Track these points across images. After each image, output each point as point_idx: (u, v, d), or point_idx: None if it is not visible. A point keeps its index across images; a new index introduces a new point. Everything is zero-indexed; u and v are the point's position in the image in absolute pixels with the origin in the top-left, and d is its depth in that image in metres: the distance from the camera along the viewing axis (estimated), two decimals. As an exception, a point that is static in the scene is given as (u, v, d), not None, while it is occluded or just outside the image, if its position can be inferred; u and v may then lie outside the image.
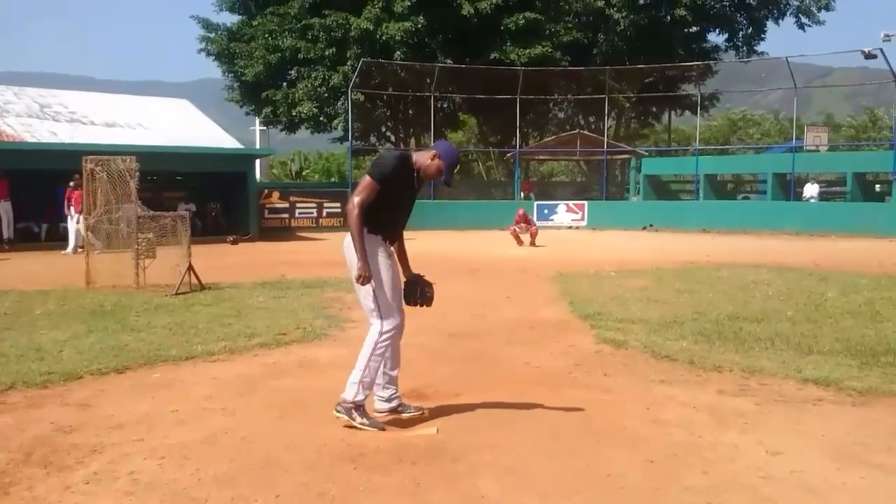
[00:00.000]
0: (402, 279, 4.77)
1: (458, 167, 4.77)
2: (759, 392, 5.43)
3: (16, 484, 3.73)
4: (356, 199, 4.43)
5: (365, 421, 4.53)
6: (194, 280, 10.60)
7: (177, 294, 10.10)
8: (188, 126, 24.37)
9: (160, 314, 8.66)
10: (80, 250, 16.18)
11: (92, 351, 6.66)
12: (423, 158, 4.65)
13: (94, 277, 11.13)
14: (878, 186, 31.18)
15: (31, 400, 5.23)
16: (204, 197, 22.63)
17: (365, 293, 4.53)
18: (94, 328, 7.74)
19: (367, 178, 4.48)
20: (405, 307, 4.73)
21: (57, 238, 18.92)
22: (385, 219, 4.55)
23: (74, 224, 16.71)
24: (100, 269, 11.18)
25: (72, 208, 16.84)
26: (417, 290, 4.78)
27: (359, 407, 4.55)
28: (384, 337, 4.54)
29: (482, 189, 38.05)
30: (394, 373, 4.76)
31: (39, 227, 19.84)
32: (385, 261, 4.56)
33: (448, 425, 4.64)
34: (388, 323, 4.54)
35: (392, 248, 4.71)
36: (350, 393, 4.54)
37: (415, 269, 4.88)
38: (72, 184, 16.65)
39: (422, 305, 4.81)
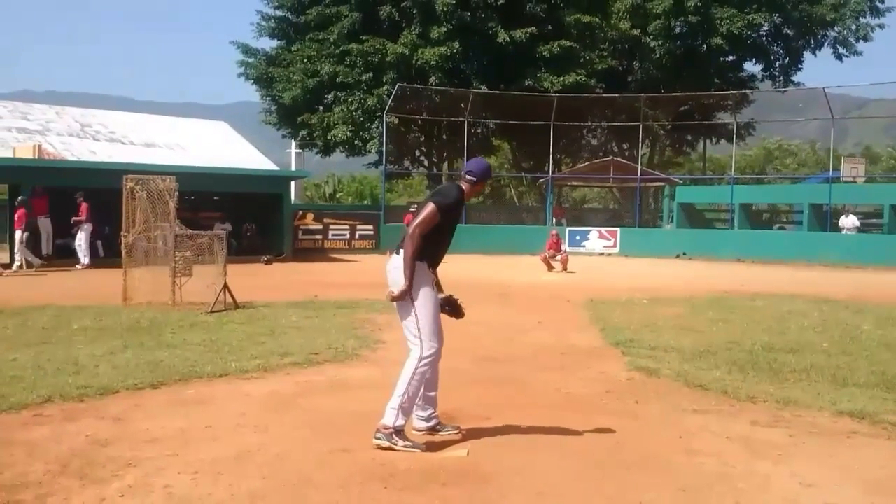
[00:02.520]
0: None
1: (491, 179, 4.96)
2: (792, 423, 5.36)
3: (52, 495, 3.80)
4: (419, 230, 4.52)
5: (407, 443, 4.56)
6: (229, 299, 10.74)
7: (212, 312, 10.23)
8: (225, 147, 24.79)
9: (195, 331, 8.78)
10: (19, 269, 16.83)
11: (128, 366, 6.77)
12: (466, 185, 4.81)
13: (131, 294, 11.31)
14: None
15: (68, 413, 5.33)
16: (240, 217, 22.92)
17: (409, 319, 4.59)
18: (130, 344, 7.86)
19: (432, 206, 4.57)
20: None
21: (94, 255, 19.27)
22: (433, 246, 4.64)
23: (18, 241, 17.14)
24: (137, 286, 11.37)
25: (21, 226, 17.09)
26: (447, 308, 4.85)
27: (399, 431, 4.58)
28: (424, 362, 4.59)
29: (514, 214, 38.08)
30: (432, 394, 4.82)
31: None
32: (429, 288, 4.63)
33: (478, 448, 4.64)
34: (427, 348, 4.59)
35: (433, 275, 4.78)
36: (390, 419, 4.57)
37: (446, 292, 4.95)
38: (20, 198, 17.26)
39: (451, 314, 4.89)
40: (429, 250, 4.60)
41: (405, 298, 4.52)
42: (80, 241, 17.96)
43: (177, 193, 11.52)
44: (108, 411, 5.39)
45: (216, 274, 10.87)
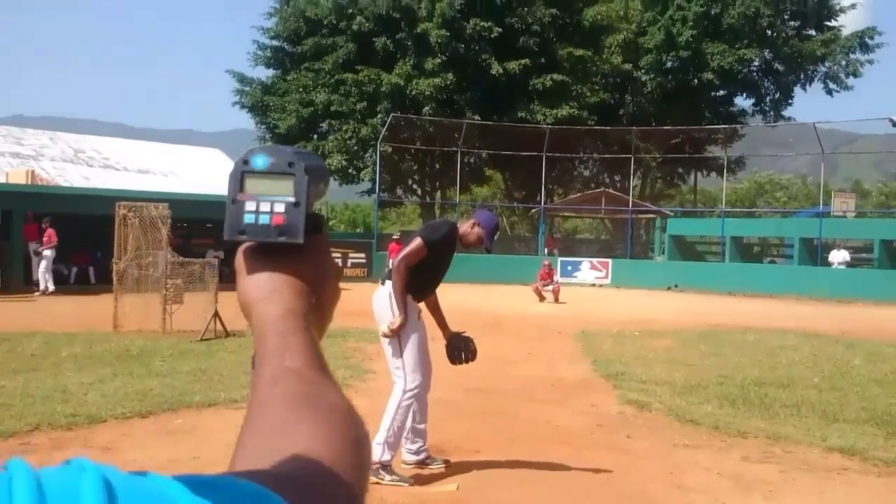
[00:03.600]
0: (443, 339, 4.87)
1: (496, 235, 4.90)
2: (783, 459, 5.36)
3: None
4: (404, 263, 4.54)
5: (395, 478, 4.54)
6: (219, 327, 10.70)
7: (202, 340, 10.19)
8: (219, 175, 24.81)
9: (185, 360, 8.73)
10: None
11: (117, 395, 6.72)
12: (465, 227, 4.80)
13: (122, 321, 11.26)
14: (906, 254, 30.85)
15: (56, 441, 5.28)
16: (232, 244, 22.89)
17: (393, 351, 4.59)
18: (120, 372, 7.82)
19: (419, 241, 4.60)
20: (451, 364, 4.83)
21: (85, 281, 19.22)
22: (419, 280, 4.65)
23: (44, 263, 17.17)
24: (127, 313, 11.32)
25: None
26: (461, 346, 4.85)
27: (385, 466, 4.56)
28: (408, 395, 4.58)
29: (506, 243, 38.16)
30: (421, 426, 4.80)
31: (69, 270, 20.13)
32: (415, 321, 4.64)
33: (468, 482, 4.62)
34: (411, 381, 4.59)
35: (419, 307, 4.78)
36: (376, 454, 4.55)
37: (436, 323, 4.96)
38: (46, 218, 17.32)
39: (466, 361, 4.89)
40: (415, 284, 4.61)
41: (399, 333, 4.53)
42: (43, 267, 17.52)
43: (169, 221, 11.53)
44: (97, 440, 5.35)
45: (207, 301, 10.84)
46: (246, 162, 0.76)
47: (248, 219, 0.75)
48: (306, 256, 0.76)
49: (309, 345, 0.71)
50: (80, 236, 19.43)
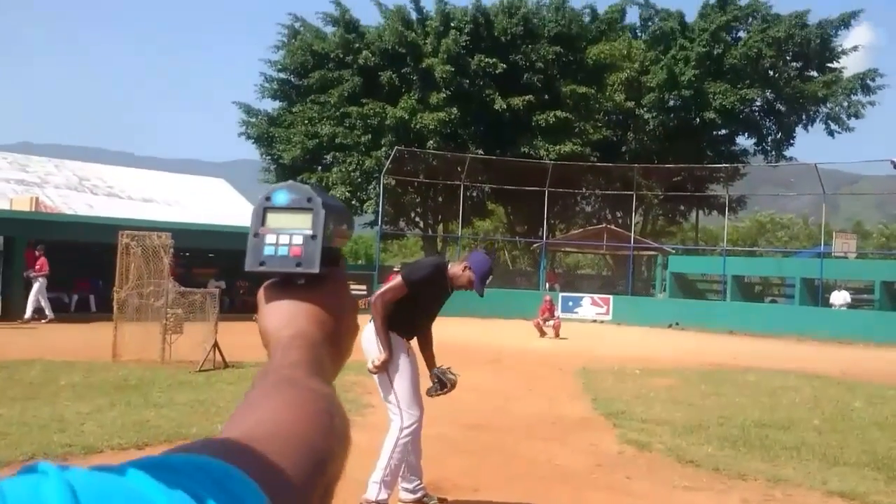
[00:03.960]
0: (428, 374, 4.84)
1: (491, 277, 4.84)
2: (783, 503, 5.31)
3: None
4: (380, 299, 4.53)
5: None
6: (219, 357, 10.67)
7: (200, 371, 10.16)
8: (223, 205, 24.94)
9: (183, 391, 8.70)
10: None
11: (114, 425, 6.69)
12: (456, 269, 4.74)
13: (121, 350, 11.24)
14: (907, 296, 30.80)
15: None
16: (234, 274, 22.93)
17: (385, 389, 4.58)
18: (118, 402, 7.79)
19: (398, 279, 4.59)
20: (427, 398, 4.78)
21: (86, 309, 19.21)
22: (407, 320, 4.63)
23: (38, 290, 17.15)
24: (127, 342, 11.30)
25: None
26: (437, 382, 4.83)
27: None
28: (405, 433, 4.56)
29: (507, 278, 38.16)
30: (417, 462, 4.76)
31: (70, 298, 20.13)
32: (404, 357, 4.62)
33: (465, 521, 4.58)
34: (408, 418, 4.57)
35: (410, 344, 4.76)
36: (372, 493, 4.53)
37: (437, 358, 4.94)
38: (40, 245, 17.30)
39: (443, 391, 4.83)
40: (402, 322, 4.59)
41: (386, 369, 4.52)
42: (33, 293, 17.36)
43: (171, 250, 11.56)
44: (92, 472, 5.31)
45: (207, 332, 10.82)
46: (268, 198, 0.80)
47: (269, 251, 0.79)
48: (324, 289, 0.80)
49: (308, 356, 0.73)
50: (82, 264, 19.47)
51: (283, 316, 0.78)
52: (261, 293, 0.82)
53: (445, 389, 4.84)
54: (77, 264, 19.55)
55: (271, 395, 0.65)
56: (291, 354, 0.72)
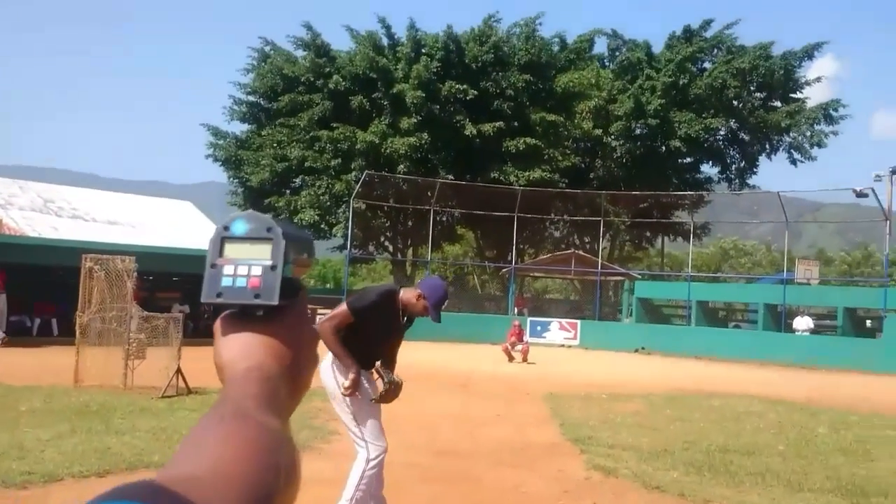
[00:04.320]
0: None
1: (447, 302, 4.75)
2: (748, 529, 5.35)
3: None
4: (327, 323, 4.46)
5: None
6: (182, 383, 10.52)
7: (163, 397, 10.01)
8: (189, 228, 24.70)
9: (145, 417, 8.56)
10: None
11: (75, 452, 6.56)
12: (409, 296, 4.63)
13: (83, 376, 11.04)
14: (868, 322, 31.35)
15: (10, 501, 5.13)
16: (198, 299, 22.66)
17: (348, 421, 4.53)
18: (79, 428, 7.63)
19: (344, 306, 4.53)
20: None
21: (48, 333, 18.87)
22: (361, 350, 4.55)
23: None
24: (89, 367, 11.11)
25: None
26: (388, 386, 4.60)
27: None
28: (371, 464, 4.51)
29: (476, 302, 38.22)
30: (379, 493, 4.71)
31: (32, 322, 19.76)
32: (364, 388, 4.57)
33: (432, 549, 4.55)
34: (374, 449, 4.51)
35: (370, 375, 4.69)
36: None
37: (405, 383, 4.87)
38: None
39: (387, 397, 4.61)
40: (356, 352, 4.52)
41: (357, 388, 4.45)
42: None
43: (135, 274, 11.42)
44: (52, 500, 5.20)
45: (170, 357, 10.67)
46: (226, 228, 0.79)
47: (226, 282, 0.77)
48: (283, 320, 0.78)
49: (263, 390, 0.71)
50: (45, 288, 19.13)
51: (239, 348, 0.76)
52: (217, 324, 0.80)
53: (386, 390, 4.57)
54: (40, 288, 19.22)
55: (215, 431, 0.63)
56: (244, 387, 0.71)
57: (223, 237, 0.79)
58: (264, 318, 0.78)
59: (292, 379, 0.77)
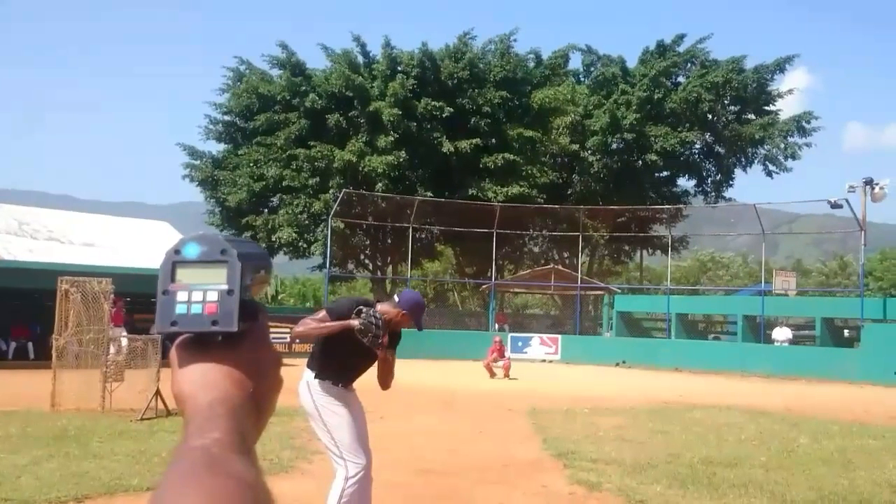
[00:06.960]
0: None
1: (426, 309, 4.72)
2: (733, 541, 5.35)
3: None
4: (306, 320, 4.39)
5: None
6: (161, 405, 10.40)
7: (142, 419, 9.88)
8: (166, 249, 24.48)
9: (124, 440, 8.44)
10: None
11: (52, 478, 6.45)
12: (387, 307, 4.52)
13: (60, 399, 10.88)
14: (846, 332, 31.65)
15: (-16, 529, 5.03)
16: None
17: (326, 439, 4.45)
18: (56, 453, 7.51)
19: (323, 311, 4.50)
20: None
21: (24, 356, 18.60)
22: (337, 364, 4.51)
23: None
24: (66, 390, 10.95)
25: None
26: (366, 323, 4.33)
27: None
28: (351, 482, 4.40)
29: (457, 319, 38.16)
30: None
31: (7, 345, 19.48)
32: (340, 405, 4.49)
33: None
34: (353, 467, 4.41)
35: (349, 389, 4.61)
36: None
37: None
38: None
39: (370, 334, 4.32)
40: (333, 368, 4.48)
41: (385, 344, 4.32)
42: None
43: (112, 296, 11.30)
44: (27, 528, 5.10)
45: (149, 379, 10.55)
46: (177, 251, 0.76)
47: (181, 309, 0.74)
48: (244, 345, 0.75)
49: (230, 427, 0.68)
50: (20, 311, 18.89)
51: (200, 379, 0.73)
52: (173, 353, 0.76)
53: (370, 334, 4.29)
54: (15, 311, 18.97)
55: (187, 490, 0.60)
56: (212, 427, 0.67)
57: (174, 262, 0.76)
58: (223, 343, 0.75)
59: (257, 406, 0.75)
